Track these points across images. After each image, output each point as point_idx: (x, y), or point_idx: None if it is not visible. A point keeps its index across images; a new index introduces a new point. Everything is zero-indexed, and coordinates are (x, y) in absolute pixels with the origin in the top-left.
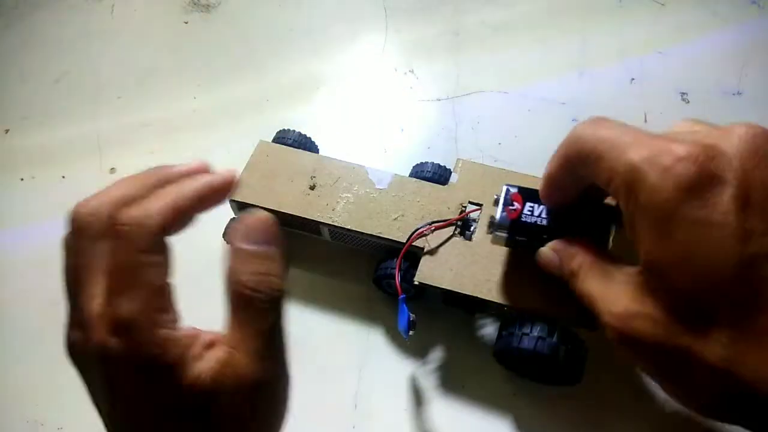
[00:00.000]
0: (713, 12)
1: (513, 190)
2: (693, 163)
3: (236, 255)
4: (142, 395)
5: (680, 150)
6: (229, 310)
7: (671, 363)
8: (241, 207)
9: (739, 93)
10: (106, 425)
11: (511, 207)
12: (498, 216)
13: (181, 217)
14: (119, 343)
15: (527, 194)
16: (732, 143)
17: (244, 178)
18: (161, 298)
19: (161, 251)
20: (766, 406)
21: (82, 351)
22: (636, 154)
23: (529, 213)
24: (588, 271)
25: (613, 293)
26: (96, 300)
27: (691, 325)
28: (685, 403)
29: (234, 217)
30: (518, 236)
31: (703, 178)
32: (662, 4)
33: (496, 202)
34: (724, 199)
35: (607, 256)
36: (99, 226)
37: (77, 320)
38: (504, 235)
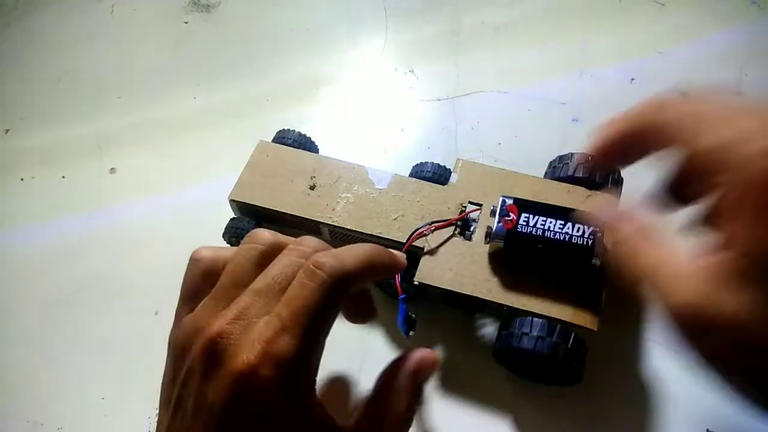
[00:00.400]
0: (713, 12)
1: (509, 202)
2: None
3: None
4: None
5: None
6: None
7: (755, 357)
8: (240, 207)
9: (739, 93)
10: None
11: (507, 218)
12: (495, 227)
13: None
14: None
15: (523, 205)
16: None
17: (244, 177)
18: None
19: None
20: None
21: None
22: (735, 130)
23: (524, 223)
24: (646, 240)
25: (683, 275)
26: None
27: None
28: (754, 398)
29: (234, 217)
30: (515, 246)
31: None
32: (662, 4)
33: (493, 213)
34: None
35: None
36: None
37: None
38: (500, 244)
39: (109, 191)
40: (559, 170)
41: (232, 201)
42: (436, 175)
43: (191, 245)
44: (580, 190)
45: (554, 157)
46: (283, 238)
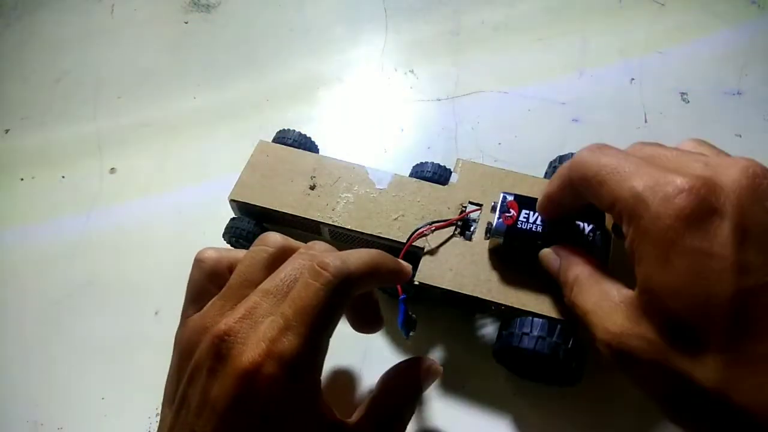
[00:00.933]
0: (713, 12)
1: (509, 198)
2: (694, 195)
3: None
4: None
5: (682, 182)
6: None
7: (665, 384)
8: (241, 207)
9: (739, 93)
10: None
11: (507, 214)
12: (495, 222)
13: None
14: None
15: (523, 202)
16: (732, 178)
17: (244, 177)
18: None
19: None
20: (758, 429)
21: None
22: (639, 182)
23: (524, 220)
24: (584, 284)
25: (607, 311)
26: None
27: (686, 348)
28: (675, 422)
29: (234, 217)
30: (514, 242)
31: (703, 210)
32: (662, 4)
33: (494, 209)
34: (724, 232)
35: (604, 272)
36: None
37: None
38: (500, 240)
39: (109, 191)
40: None
41: (232, 201)
42: (436, 175)
43: (191, 245)
44: None
45: (554, 157)
46: (293, 242)
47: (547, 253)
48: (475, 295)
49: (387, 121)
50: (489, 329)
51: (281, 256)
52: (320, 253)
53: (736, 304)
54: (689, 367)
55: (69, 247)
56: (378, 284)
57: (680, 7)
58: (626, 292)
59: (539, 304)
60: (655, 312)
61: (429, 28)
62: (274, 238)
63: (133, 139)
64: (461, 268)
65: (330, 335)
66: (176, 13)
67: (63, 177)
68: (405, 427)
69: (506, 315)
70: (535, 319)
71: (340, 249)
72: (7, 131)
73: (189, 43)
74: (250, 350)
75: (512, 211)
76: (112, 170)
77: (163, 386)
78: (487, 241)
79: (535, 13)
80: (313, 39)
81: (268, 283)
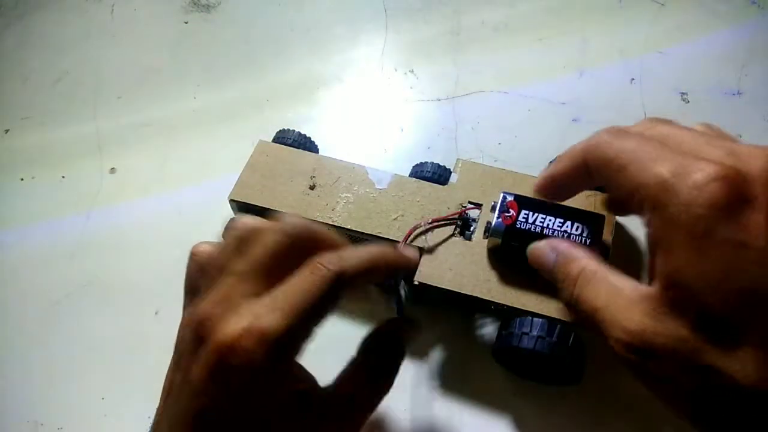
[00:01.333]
0: (713, 12)
1: (509, 198)
2: (727, 183)
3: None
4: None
5: (713, 169)
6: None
7: (694, 382)
8: (240, 207)
9: (739, 93)
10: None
11: (506, 214)
12: (494, 222)
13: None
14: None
15: (523, 202)
16: (759, 168)
17: (244, 177)
18: None
19: None
20: None
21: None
22: (665, 167)
23: (523, 220)
24: (591, 278)
25: (624, 307)
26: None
27: (721, 344)
28: (701, 424)
29: (233, 217)
30: (512, 242)
31: (737, 200)
32: (662, 4)
33: (493, 209)
34: (759, 223)
35: (611, 267)
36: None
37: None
38: (498, 240)
39: (109, 191)
40: None
41: (231, 201)
42: (436, 175)
43: (191, 245)
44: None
45: (554, 158)
46: (261, 220)
47: (539, 246)
48: (474, 294)
49: (387, 121)
50: (489, 329)
51: (251, 237)
52: (289, 225)
53: None
54: (725, 363)
55: (69, 247)
56: (378, 279)
57: (680, 7)
58: (643, 288)
59: (539, 304)
60: (686, 307)
61: (429, 28)
62: (241, 221)
63: (133, 139)
64: (461, 267)
65: (316, 324)
66: (176, 13)
67: (63, 177)
68: (388, 390)
69: (506, 315)
70: (535, 318)
71: None
72: (7, 131)
73: (189, 43)
74: (230, 326)
75: (512, 211)
76: (112, 170)
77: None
78: (486, 240)
79: (535, 13)
80: (313, 39)
81: (240, 264)
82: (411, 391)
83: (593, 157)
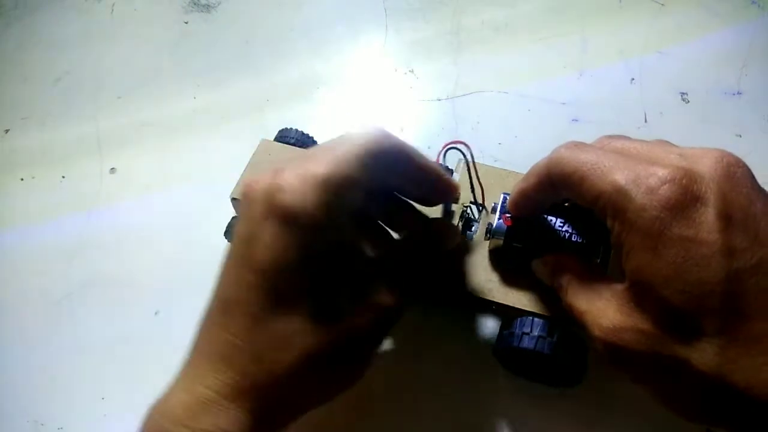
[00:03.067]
0: (713, 12)
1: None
2: (677, 185)
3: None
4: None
5: (664, 173)
6: None
7: (662, 373)
8: None
9: (739, 93)
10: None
11: (507, 215)
12: (495, 223)
13: None
14: None
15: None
16: (708, 167)
17: (246, 176)
18: None
19: None
20: (755, 409)
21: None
22: (621, 175)
23: (524, 221)
24: (576, 286)
25: (600, 308)
26: None
27: (681, 335)
28: (675, 410)
29: (235, 216)
30: (515, 243)
31: (687, 199)
32: (662, 4)
33: (494, 210)
34: (709, 218)
35: (595, 273)
36: None
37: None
38: (500, 241)
39: (109, 191)
40: None
41: (233, 199)
42: None
43: (191, 245)
44: None
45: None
46: None
47: (536, 264)
48: (475, 294)
49: (387, 121)
50: (489, 329)
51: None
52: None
53: (727, 287)
54: (686, 353)
55: (69, 247)
56: (415, 174)
57: (680, 7)
58: (616, 287)
59: (540, 305)
60: (647, 302)
61: (429, 28)
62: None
63: (133, 139)
64: (462, 267)
65: (365, 179)
66: (176, 13)
67: (63, 177)
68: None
69: (507, 315)
70: (536, 319)
71: None
72: (7, 131)
73: (189, 43)
74: (275, 177)
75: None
76: (112, 170)
77: (163, 386)
78: (488, 240)
79: (535, 13)
80: (313, 39)
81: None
82: (410, 390)
83: (556, 172)
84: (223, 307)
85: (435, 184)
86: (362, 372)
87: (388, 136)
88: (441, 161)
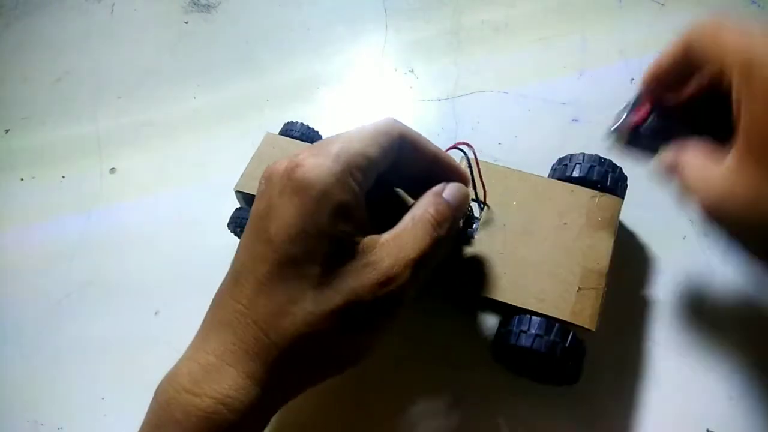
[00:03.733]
0: (713, 12)
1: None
2: None
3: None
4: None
5: None
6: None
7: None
8: (246, 198)
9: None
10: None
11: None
12: (623, 118)
13: None
14: None
15: (654, 105)
16: None
17: (250, 169)
18: None
19: None
20: None
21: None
22: (751, 45)
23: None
24: (689, 165)
25: (709, 176)
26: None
27: None
28: None
29: (239, 207)
30: (637, 138)
31: None
32: (662, 4)
33: (626, 107)
34: None
35: (716, 150)
36: None
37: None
38: (622, 137)
39: (109, 191)
40: (561, 171)
41: (237, 192)
42: None
43: (191, 245)
44: (584, 191)
45: (556, 159)
46: None
47: (664, 156)
48: (474, 291)
49: None
50: (488, 328)
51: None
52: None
53: None
54: None
55: (69, 247)
56: (427, 160)
57: (680, 7)
58: (726, 151)
59: (538, 303)
60: (757, 157)
61: (429, 28)
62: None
63: (133, 139)
64: (462, 264)
65: (378, 156)
66: (176, 13)
67: (63, 177)
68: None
69: (506, 313)
70: (534, 317)
71: None
72: (7, 131)
73: (189, 43)
74: (294, 158)
75: (643, 110)
76: (112, 170)
77: None
78: (489, 239)
79: (535, 13)
80: (313, 39)
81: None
82: (410, 389)
83: (693, 35)
84: (233, 279)
85: (447, 168)
86: (371, 344)
87: (400, 123)
88: None
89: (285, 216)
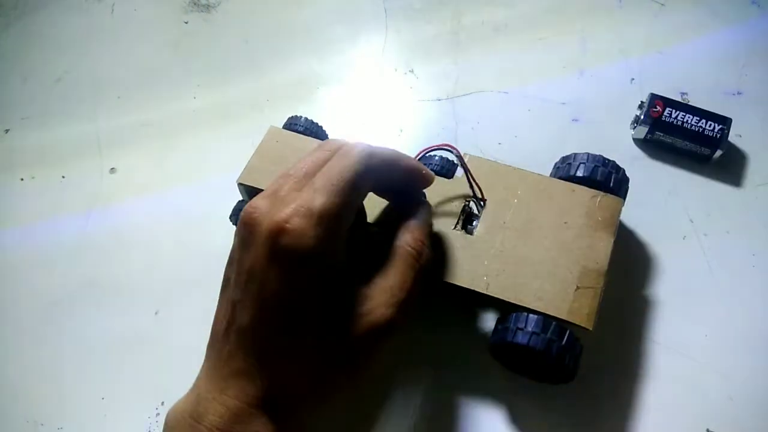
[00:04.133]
0: (713, 12)
1: (656, 97)
2: None
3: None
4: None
5: None
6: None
7: None
8: (248, 191)
9: (739, 93)
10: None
11: (654, 109)
12: (643, 115)
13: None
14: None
15: (668, 102)
16: None
17: (254, 162)
18: None
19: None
20: None
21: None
22: None
23: (668, 115)
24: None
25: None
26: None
27: None
28: None
29: (241, 200)
30: (658, 131)
31: None
32: (662, 4)
33: (641, 106)
34: None
35: None
36: None
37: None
38: (646, 129)
39: (109, 191)
40: (564, 170)
41: (240, 184)
42: (444, 169)
43: (191, 245)
44: (585, 191)
45: (561, 156)
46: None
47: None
48: (473, 288)
49: (387, 121)
50: (487, 324)
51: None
52: (342, 141)
53: None
54: None
55: (69, 247)
56: (398, 176)
57: (680, 7)
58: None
59: (536, 301)
60: None
61: (429, 28)
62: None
63: (133, 139)
64: (461, 261)
65: (354, 199)
66: (176, 13)
67: (63, 177)
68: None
69: (504, 310)
70: (531, 315)
71: None
72: (7, 131)
73: (189, 43)
74: (277, 214)
75: (658, 107)
76: (112, 170)
77: (163, 386)
78: (488, 236)
79: (535, 13)
80: (313, 39)
81: (290, 168)
82: (409, 389)
83: None
84: (238, 333)
85: (419, 178)
86: (363, 373)
87: (373, 153)
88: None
89: (274, 283)
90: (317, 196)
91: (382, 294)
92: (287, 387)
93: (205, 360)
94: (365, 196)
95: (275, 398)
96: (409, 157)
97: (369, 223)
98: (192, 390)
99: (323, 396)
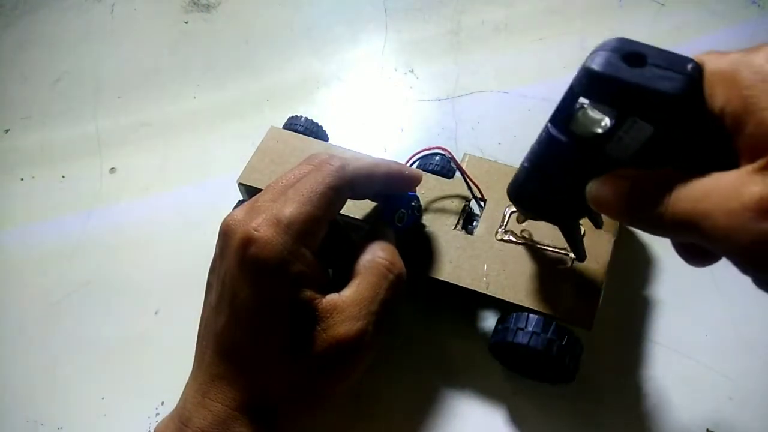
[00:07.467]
0: (713, 12)
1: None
2: None
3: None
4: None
5: None
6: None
7: None
8: (249, 190)
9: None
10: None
11: None
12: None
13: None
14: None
15: None
16: None
17: (254, 162)
18: None
19: None
20: None
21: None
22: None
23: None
24: (683, 190)
25: (728, 187)
26: None
27: None
28: None
29: (242, 199)
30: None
31: None
32: (662, 4)
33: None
34: None
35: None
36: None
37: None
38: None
39: (109, 191)
40: None
41: (240, 184)
42: (444, 169)
43: (191, 245)
44: None
45: None
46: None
47: (600, 182)
48: (473, 288)
49: (387, 121)
50: (487, 324)
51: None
52: (326, 155)
53: None
54: None
55: (69, 247)
56: (379, 183)
57: (680, 7)
58: (743, 167)
59: (536, 301)
60: None
61: (429, 28)
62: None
63: (133, 139)
64: (461, 261)
65: (325, 212)
66: (176, 13)
67: (63, 177)
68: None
69: (504, 310)
70: (531, 315)
71: None
72: (7, 131)
73: (189, 43)
74: (249, 223)
75: None
76: (112, 170)
77: (163, 386)
78: (489, 236)
79: (535, 13)
80: (313, 39)
81: (273, 183)
82: (408, 389)
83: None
84: (216, 339)
85: (402, 181)
86: (343, 383)
87: (347, 165)
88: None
89: (244, 291)
90: (287, 206)
91: (353, 306)
92: (268, 392)
93: (193, 363)
94: (341, 206)
95: (257, 402)
96: (388, 163)
97: (360, 219)
98: (181, 394)
99: (307, 402)
